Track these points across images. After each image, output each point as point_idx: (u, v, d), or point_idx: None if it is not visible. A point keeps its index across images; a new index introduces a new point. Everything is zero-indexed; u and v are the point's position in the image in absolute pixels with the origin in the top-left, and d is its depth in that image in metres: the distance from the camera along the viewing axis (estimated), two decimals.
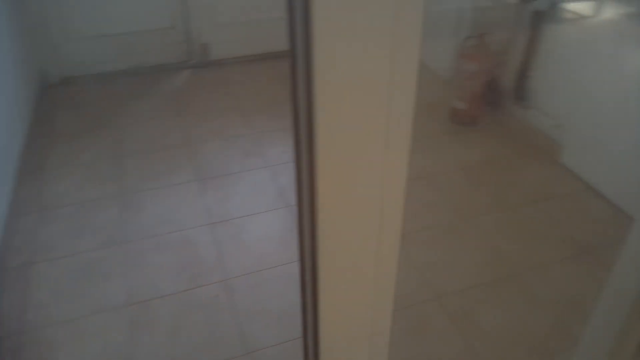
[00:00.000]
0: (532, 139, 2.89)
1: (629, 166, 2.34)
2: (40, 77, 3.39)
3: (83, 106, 3.24)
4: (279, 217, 2.37)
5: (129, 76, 3.56)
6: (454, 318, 1.90)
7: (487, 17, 2.98)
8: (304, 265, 0.63)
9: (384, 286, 0.67)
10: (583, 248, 2.19)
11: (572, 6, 2.52)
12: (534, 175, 2.66)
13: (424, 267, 2.12)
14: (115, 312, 1.91)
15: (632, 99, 2.27)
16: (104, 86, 3.46)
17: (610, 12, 2.41)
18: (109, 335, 1.83)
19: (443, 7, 3.47)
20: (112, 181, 2.58)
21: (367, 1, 0.45)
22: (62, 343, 1.79)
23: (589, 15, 2.49)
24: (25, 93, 3.03)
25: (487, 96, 3.04)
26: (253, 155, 2.78)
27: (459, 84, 2.96)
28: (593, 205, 2.45)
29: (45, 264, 2.10)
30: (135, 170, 2.66)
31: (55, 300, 1.95)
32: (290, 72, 0.51)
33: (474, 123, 3.06)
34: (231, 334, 1.84)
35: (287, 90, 3.51)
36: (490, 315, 1.91)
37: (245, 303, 1.95)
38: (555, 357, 1.79)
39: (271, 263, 2.12)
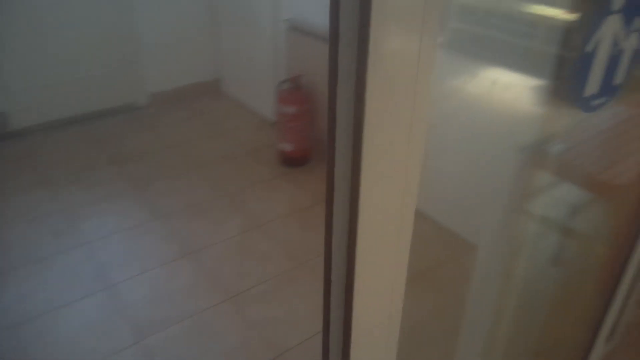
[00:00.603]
0: None
1: (463, 193, 2.44)
2: None
3: None
4: (97, 303, 2.08)
5: None
6: None
7: (302, 57, 3.01)
8: (329, 264, 0.64)
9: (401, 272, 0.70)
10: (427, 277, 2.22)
11: None
12: None
13: (263, 324, 1.98)
14: None
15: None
16: None
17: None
18: None
19: (258, 52, 3.47)
20: None
21: None
22: None
23: None
24: None
25: (313, 135, 3.05)
26: (65, 235, 2.45)
27: (282, 126, 2.93)
28: (433, 233, 2.52)
29: None
30: None
31: None
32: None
33: (303, 163, 3.05)
34: None
35: (102, 154, 3.31)
36: None
37: None
38: None
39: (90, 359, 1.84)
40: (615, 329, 1.80)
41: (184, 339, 1.92)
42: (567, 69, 0.85)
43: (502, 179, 1.43)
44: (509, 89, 1.25)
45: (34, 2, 3.13)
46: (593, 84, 0.85)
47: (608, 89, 0.88)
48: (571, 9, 0.85)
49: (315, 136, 3.10)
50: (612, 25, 0.80)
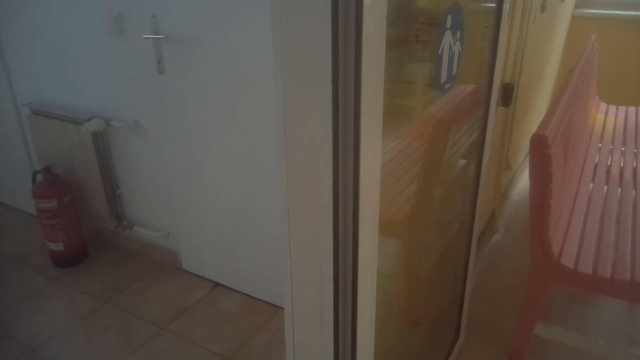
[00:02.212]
0: (148, 255, 2.68)
1: (247, 255, 2.33)
2: None
3: None
4: None
5: None
6: None
7: (52, 143, 2.65)
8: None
9: None
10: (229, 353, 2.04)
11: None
12: (161, 293, 2.42)
13: None
14: None
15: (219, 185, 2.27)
16: None
17: None
18: None
19: (4, 142, 2.99)
20: None
21: None
22: None
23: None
24: None
25: (84, 227, 2.69)
26: None
27: (46, 224, 2.53)
28: (228, 302, 2.35)
29: None
30: None
31: None
32: None
33: (80, 260, 2.66)
34: None
35: None
36: None
37: None
38: None
39: None
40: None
41: None
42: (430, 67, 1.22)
43: None
44: None
45: None
46: (444, 74, 1.25)
47: (450, 77, 1.30)
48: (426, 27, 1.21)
49: (89, 227, 2.75)
50: (448, 37, 1.21)
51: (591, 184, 2.38)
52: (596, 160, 2.63)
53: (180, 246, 2.53)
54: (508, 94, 2.18)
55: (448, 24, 1.21)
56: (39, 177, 2.50)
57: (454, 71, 1.32)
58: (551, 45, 3.43)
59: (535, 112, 3.40)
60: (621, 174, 2.48)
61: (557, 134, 1.82)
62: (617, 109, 3.43)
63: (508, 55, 2.23)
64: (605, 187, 2.36)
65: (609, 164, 2.60)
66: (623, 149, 2.78)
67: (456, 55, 1.31)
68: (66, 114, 2.53)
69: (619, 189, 2.33)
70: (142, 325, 2.23)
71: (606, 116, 3.29)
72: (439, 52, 1.21)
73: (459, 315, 1.99)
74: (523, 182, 3.38)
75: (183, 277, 2.53)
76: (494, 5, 1.54)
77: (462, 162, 1.75)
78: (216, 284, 2.47)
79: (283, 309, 1.10)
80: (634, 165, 2.57)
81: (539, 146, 1.62)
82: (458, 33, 1.28)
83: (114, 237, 2.78)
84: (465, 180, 1.78)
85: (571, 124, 2.20)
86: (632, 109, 3.40)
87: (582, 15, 4.20)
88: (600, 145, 2.83)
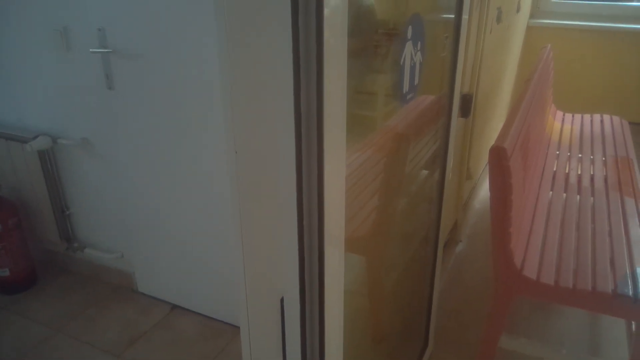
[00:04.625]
0: (102, 278, 2.56)
1: (205, 275, 2.24)
2: None
3: None
4: None
5: None
6: None
7: None
8: None
9: None
10: None
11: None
12: (116, 318, 2.31)
13: None
14: None
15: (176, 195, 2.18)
16: None
17: None
18: None
19: None
20: None
21: None
22: None
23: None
24: None
25: (32, 250, 2.55)
26: None
27: None
28: (187, 325, 2.26)
29: None
30: None
31: None
32: None
33: (29, 286, 2.51)
34: None
35: None
36: None
37: None
38: None
39: None
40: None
41: None
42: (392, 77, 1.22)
43: None
44: None
45: None
46: (406, 85, 1.25)
47: (412, 87, 1.30)
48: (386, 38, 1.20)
49: (38, 250, 2.61)
50: (409, 48, 1.21)
51: (550, 192, 2.39)
52: (554, 169, 2.65)
53: (135, 268, 2.42)
54: (467, 105, 2.18)
55: (409, 35, 1.22)
56: None
57: (416, 81, 1.33)
58: (508, 55, 3.47)
59: (494, 121, 3.43)
60: (579, 181, 2.50)
61: (516, 145, 1.81)
62: (572, 116, 3.49)
63: (466, 66, 2.23)
64: (564, 194, 2.37)
65: (567, 171, 2.63)
66: (580, 155, 2.81)
67: (417, 65, 1.31)
68: (10, 132, 2.40)
69: (577, 196, 2.35)
70: (96, 353, 2.11)
71: (563, 124, 3.34)
72: (401, 62, 1.21)
73: (427, 324, 1.96)
74: (484, 190, 3.40)
75: (139, 300, 2.42)
76: (453, 16, 1.54)
77: (425, 172, 1.72)
78: (174, 306, 2.37)
79: None
80: (591, 172, 2.60)
81: (498, 158, 1.60)
82: (419, 44, 1.29)
83: (64, 261, 2.65)
84: (428, 191, 1.75)
85: (529, 134, 2.20)
86: (587, 117, 3.46)
87: (537, 25, 4.29)
88: (558, 152, 2.86)
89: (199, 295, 2.28)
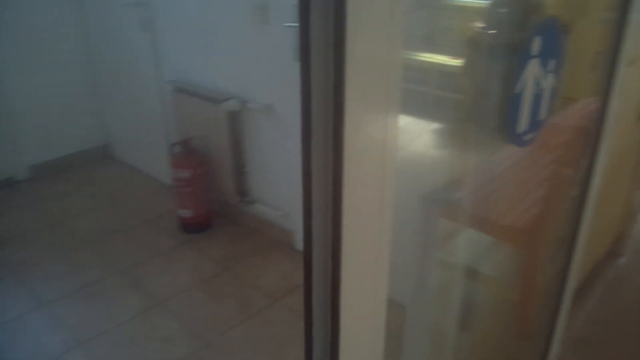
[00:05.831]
0: (266, 232, 2.83)
1: None
2: None
3: None
4: None
5: None
6: None
7: (190, 119, 2.89)
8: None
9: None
10: None
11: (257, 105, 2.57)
12: (275, 269, 2.56)
13: None
14: None
15: None
16: None
17: None
18: None
19: (146, 115, 3.30)
20: None
21: None
22: None
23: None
24: None
25: (212, 198, 2.90)
26: None
27: (178, 191, 2.76)
28: None
29: None
30: None
31: None
32: None
33: (205, 228, 2.88)
34: None
35: None
36: None
37: None
38: None
39: None
40: None
41: None
42: (499, 110, 0.92)
43: (414, 232, 1.38)
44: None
45: None
46: (523, 121, 0.93)
47: (535, 124, 0.97)
48: (497, 56, 0.93)
49: (215, 199, 2.96)
50: (533, 68, 0.90)
51: None
52: None
53: (297, 227, 2.65)
54: None
55: (534, 50, 0.90)
56: (177, 149, 2.74)
57: (541, 116, 0.98)
58: None
59: None
60: None
61: None
62: None
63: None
64: None
65: None
66: None
67: (547, 93, 0.97)
68: (206, 93, 2.74)
69: None
70: (256, 295, 2.38)
71: None
72: (516, 90, 0.90)
73: (552, 327, 1.90)
74: None
75: (297, 257, 2.65)
76: (612, 17, 1.12)
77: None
78: None
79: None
80: None
81: None
82: (553, 62, 0.96)
83: (235, 213, 2.97)
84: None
85: None
86: None
87: None
88: None
89: None
